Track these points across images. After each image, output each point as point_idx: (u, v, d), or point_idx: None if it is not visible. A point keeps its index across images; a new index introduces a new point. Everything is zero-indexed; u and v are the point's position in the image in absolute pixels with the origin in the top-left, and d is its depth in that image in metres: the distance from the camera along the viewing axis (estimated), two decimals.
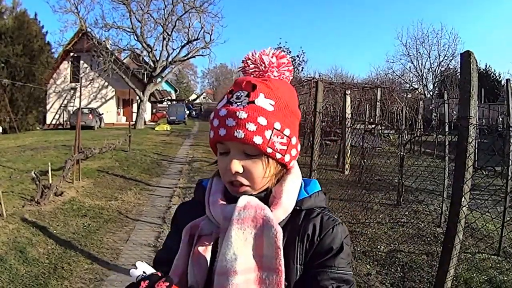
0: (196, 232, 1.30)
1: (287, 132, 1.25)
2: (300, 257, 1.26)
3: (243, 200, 1.24)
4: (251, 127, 1.18)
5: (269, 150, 1.21)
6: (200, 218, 1.32)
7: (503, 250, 5.65)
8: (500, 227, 5.65)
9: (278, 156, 1.25)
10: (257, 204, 1.24)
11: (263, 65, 1.29)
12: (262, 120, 1.19)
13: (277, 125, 1.22)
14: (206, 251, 1.27)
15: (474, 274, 5.00)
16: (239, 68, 1.35)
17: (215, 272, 1.21)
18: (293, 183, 1.32)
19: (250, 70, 1.30)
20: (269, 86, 1.24)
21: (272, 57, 1.30)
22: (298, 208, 1.31)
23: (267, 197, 1.29)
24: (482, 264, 5.26)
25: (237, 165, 1.22)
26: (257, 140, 1.18)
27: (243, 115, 1.18)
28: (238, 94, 1.23)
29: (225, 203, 1.28)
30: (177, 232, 1.37)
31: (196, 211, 1.37)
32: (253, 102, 1.20)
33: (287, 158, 1.28)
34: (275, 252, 1.19)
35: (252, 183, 1.25)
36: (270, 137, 1.20)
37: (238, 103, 1.21)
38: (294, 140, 1.28)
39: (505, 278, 4.86)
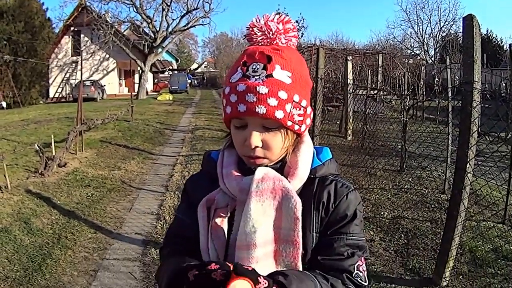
0: (212, 206, 1.26)
1: (303, 103, 1.22)
2: (316, 225, 1.25)
3: (260, 172, 1.21)
4: (273, 102, 1.14)
5: (289, 123, 1.19)
6: (215, 191, 1.29)
7: (508, 219, 5.55)
8: (506, 194, 5.55)
9: (296, 127, 1.22)
10: (274, 176, 1.22)
11: (271, 32, 1.24)
12: (282, 94, 1.16)
13: (296, 98, 1.19)
14: (223, 224, 1.24)
15: (480, 242, 4.89)
16: (245, 35, 1.30)
17: (232, 246, 1.20)
18: (307, 152, 1.30)
19: (258, 38, 1.25)
20: (283, 57, 1.20)
21: (278, 23, 1.25)
22: (312, 176, 1.28)
23: (282, 167, 1.27)
24: (487, 233, 5.14)
25: (257, 140, 1.18)
26: (279, 114, 1.16)
27: (263, 90, 1.14)
28: (254, 66, 1.18)
29: (240, 175, 1.26)
30: (189, 205, 1.36)
31: (206, 183, 1.35)
32: (271, 75, 1.16)
33: (303, 128, 1.26)
34: (294, 223, 1.18)
35: (270, 155, 1.23)
36: (290, 110, 1.18)
37: (256, 77, 1.16)
38: (309, 110, 1.26)
39: (511, 248, 4.75)
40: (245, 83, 1.15)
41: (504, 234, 5.12)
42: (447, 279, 4.12)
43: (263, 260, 1.16)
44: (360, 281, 1.23)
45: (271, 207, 1.19)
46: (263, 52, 1.19)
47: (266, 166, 1.24)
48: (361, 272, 1.25)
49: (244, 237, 1.16)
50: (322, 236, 1.25)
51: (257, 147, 1.18)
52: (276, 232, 1.19)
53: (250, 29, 1.25)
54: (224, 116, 1.26)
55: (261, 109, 1.13)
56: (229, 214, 1.25)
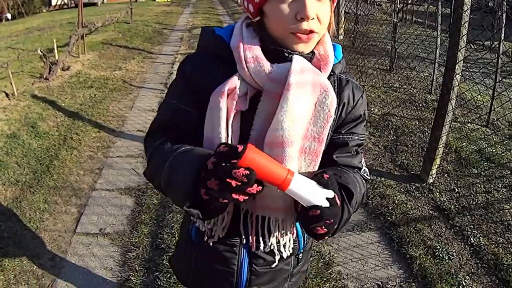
0: (230, 95, 1.02)
1: None
2: (333, 123, 1.14)
3: (298, 62, 1.01)
4: None
5: None
6: (233, 78, 1.03)
7: (491, 123, 5.40)
8: (490, 99, 5.36)
9: (335, 3, 1.06)
10: (312, 68, 1.04)
11: None
12: None
13: None
14: (237, 116, 1.04)
15: (464, 144, 4.77)
16: None
17: (255, 142, 0.99)
18: (331, 45, 1.12)
19: None
20: None
21: None
22: (332, 73, 1.13)
23: (311, 59, 1.07)
24: (472, 135, 5.02)
25: (313, 10, 0.97)
26: None
27: None
28: None
29: (268, 62, 1.02)
30: (190, 91, 1.11)
31: (215, 66, 1.10)
32: None
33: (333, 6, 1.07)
34: (326, 120, 1.03)
35: (321, 31, 1.03)
36: None
37: None
38: None
39: (494, 151, 4.63)
40: None
41: (487, 137, 5.00)
42: (434, 176, 4.04)
43: (293, 159, 1.01)
44: (366, 176, 1.21)
45: (309, 102, 1.02)
46: None
47: (299, 55, 1.03)
48: (366, 167, 1.23)
49: (280, 134, 0.97)
50: (336, 133, 1.16)
51: (312, 19, 0.98)
52: (308, 128, 1.03)
53: None
54: None
55: None
56: (247, 106, 1.04)
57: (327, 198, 0.90)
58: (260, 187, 0.85)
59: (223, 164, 0.82)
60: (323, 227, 0.91)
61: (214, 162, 0.84)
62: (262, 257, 1.23)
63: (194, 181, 0.89)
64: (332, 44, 1.14)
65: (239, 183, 0.81)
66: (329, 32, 1.11)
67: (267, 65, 1.01)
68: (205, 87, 1.05)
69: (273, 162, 0.88)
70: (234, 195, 0.83)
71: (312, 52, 1.08)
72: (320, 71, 1.06)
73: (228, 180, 0.81)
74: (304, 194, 0.89)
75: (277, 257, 1.21)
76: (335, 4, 1.06)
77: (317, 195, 0.90)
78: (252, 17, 1.06)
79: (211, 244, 1.20)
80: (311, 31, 0.99)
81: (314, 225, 0.90)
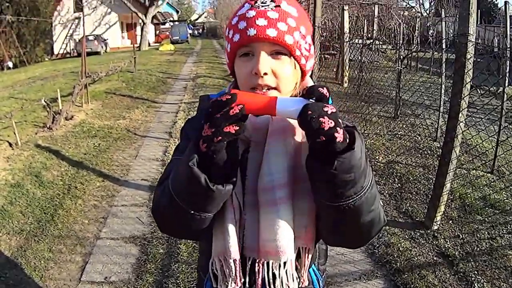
0: None
1: (308, 39, 1.18)
2: None
3: None
4: (283, 26, 1.09)
5: (297, 53, 1.13)
6: None
7: (497, 169, 5.55)
8: (495, 146, 5.54)
9: (303, 61, 1.17)
10: None
11: None
12: (291, 22, 1.11)
13: (303, 30, 1.15)
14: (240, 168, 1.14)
15: (469, 190, 4.91)
16: None
17: (250, 189, 1.14)
18: None
19: None
20: None
21: None
22: None
23: None
24: (477, 181, 5.16)
25: (266, 65, 1.10)
26: (288, 39, 1.10)
27: (274, 15, 1.10)
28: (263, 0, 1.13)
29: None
30: None
31: None
32: (279, 6, 1.12)
33: (308, 65, 1.20)
34: None
35: (281, 85, 1.13)
36: (298, 40, 1.12)
37: (265, 6, 1.11)
38: (312, 49, 1.21)
39: (499, 197, 4.76)
40: (255, 10, 1.10)
41: (492, 183, 5.13)
42: (438, 223, 4.16)
43: (286, 201, 1.10)
44: None
45: (292, 146, 1.12)
46: None
47: None
48: None
49: (269, 178, 1.10)
50: None
51: (266, 74, 1.09)
52: (298, 171, 1.12)
53: None
54: (230, 48, 1.16)
55: (272, 32, 1.07)
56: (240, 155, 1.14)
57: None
58: (241, 105, 0.97)
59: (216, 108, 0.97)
60: (323, 122, 0.93)
61: (207, 115, 0.99)
62: None
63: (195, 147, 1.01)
64: None
65: (223, 113, 0.96)
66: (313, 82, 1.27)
67: (251, 118, 1.10)
68: None
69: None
70: (225, 129, 0.96)
71: None
72: None
73: (216, 115, 0.96)
74: (294, 109, 0.98)
75: None
76: (307, 61, 1.18)
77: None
78: (231, 76, 1.27)
79: None
80: (267, 86, 1.11)
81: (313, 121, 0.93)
